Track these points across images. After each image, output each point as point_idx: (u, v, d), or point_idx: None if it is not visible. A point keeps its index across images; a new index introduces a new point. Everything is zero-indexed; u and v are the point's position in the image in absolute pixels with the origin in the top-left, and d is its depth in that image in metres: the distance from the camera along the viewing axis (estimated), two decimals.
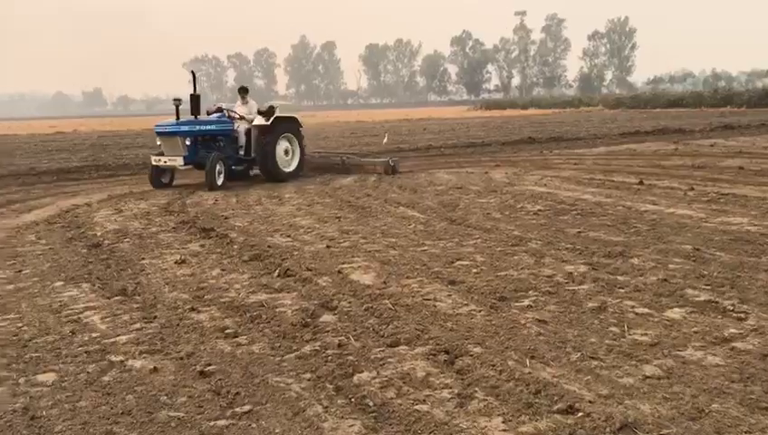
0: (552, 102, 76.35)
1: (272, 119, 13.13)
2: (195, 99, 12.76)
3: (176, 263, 6.44)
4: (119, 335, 4.43)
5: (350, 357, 3.92)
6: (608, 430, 2.96)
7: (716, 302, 4.69)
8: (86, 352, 4.12)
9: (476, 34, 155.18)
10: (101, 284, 5.76)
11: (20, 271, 6.32)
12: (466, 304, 4.84)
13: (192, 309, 4.94)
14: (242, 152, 13.49)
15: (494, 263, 6.02)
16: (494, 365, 3.69)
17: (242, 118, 13.50)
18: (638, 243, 6.61)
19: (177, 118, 12.58)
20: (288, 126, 13.58)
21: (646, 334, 4.15)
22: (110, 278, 5.94)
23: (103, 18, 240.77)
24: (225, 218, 9.00)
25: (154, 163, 12.63)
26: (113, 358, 4.03)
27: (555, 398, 3.28)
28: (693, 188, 10.08)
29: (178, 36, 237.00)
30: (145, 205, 10.51)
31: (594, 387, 3.42)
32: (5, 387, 3.65)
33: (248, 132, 13.40)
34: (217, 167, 12.29)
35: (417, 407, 3.27)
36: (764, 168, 12.58)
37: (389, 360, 3.87)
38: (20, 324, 4.72)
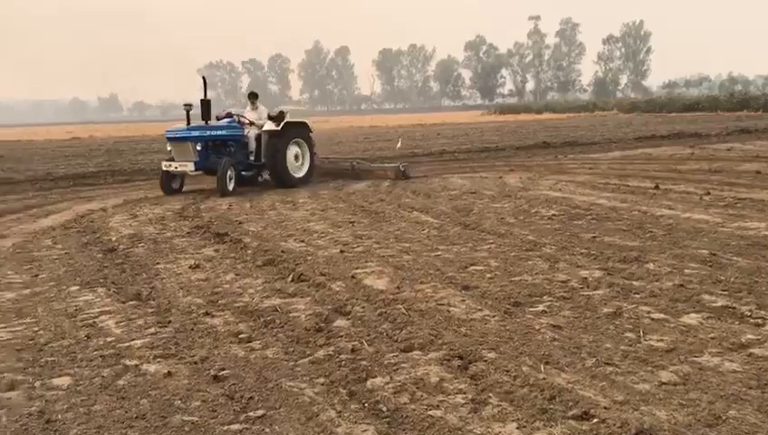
0: (566, 107, 75.98)
1: (282, 124, 13.10)
2: (205, 104, 12.75)
3: (190, 268, 6.47)
4: (133, 340, 4.46)
5: (364, 362, 3.91)
6: None
7: (733, 307, 4.63)
8: (101, 357, 4.15)
9: (490, 39, 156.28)
10: (116, 288, 5.80)
11: (36, 275, 6.38)
12: (480, 310, 4.82)
13: (206, 314, 4.96)
14: (252, 158, 13.46)
15: (509, 268, 6.00)
16: (508, 371, 3.67)
17: (252, 123, 13.50)
18: (654, 248, 6.56)
19: (188, 123, 12.53)
20: (298, 131, 13.56)
21: (662, 340, 4.11)
22: (125, 283, 5.98)
23: (120, 25, 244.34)
24: (239, 223, 9.03)
25: (164, 169, 12.66)
26: (128, 362, 4.05)
27: (570, 404, 3.25)
28: (709, 193, 9.98)
29: (194, 42, 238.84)
30: (160, 210, 10.57)
31: (609, 393, 3.38)
32: (21, 390, 3.68)
33: (258, 138, 13.39)
34: (228, 172, 12.32)
35: (430, 412, 3.26)
36: None
37: (403, 365, 3.86)
38: (36, 329, 4.76)
